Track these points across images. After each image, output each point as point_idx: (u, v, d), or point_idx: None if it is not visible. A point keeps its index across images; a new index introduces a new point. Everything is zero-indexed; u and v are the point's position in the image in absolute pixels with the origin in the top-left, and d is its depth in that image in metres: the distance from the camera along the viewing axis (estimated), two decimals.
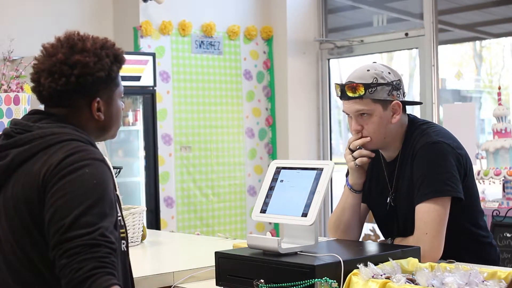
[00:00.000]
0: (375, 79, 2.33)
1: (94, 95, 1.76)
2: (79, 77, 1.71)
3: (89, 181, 1.60)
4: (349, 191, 2.51)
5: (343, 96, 2.38)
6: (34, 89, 1.78)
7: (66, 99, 1.74)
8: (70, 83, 1.71)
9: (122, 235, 1.78)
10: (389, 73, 2.37)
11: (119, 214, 1.73)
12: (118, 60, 1.79)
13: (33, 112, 1.80)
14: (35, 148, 1.68)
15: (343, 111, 2.43)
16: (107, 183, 1.63)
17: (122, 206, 1.75)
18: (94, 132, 1.79)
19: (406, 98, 2.47)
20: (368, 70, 2.35)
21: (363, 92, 2.33)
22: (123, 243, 1.81)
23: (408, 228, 2.37)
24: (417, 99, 5.80)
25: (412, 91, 6.72)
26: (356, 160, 2.45)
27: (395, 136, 2.43)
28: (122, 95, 1.86)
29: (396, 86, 2.37)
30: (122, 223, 1.80)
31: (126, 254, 1.83)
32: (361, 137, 2.41)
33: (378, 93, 2.33)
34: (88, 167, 1.62)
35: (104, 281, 1.50)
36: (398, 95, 2.38)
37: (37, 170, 1.63)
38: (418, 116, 5.19)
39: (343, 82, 2.40)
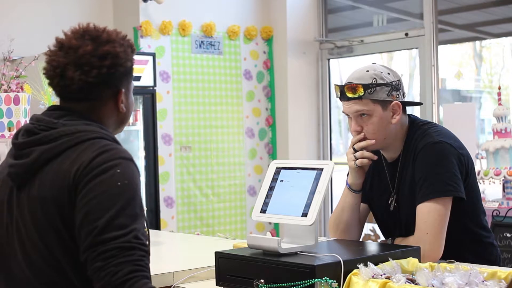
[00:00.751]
0: (374, 79, 2.33)
1: (119, 87, 1.73)
2: (110, 68, 1.68)
3: (120, 182, 1.57)
4: (348, 191, 2.51)
5: (343, 97, 2.38)
6: (56, 84, 1.70)
7: (95, 91, 1.70)
8: (102, 75, 1.67)
9: None
10: (388, 73, 2.37)
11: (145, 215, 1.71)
12: (133, 50, 1.77)
13: (54, 108, 1.74)
14: (62, 146, 1.64)
15: (343, 112, 2.43)
16: (137, 183, 1.61)
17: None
18: (112, 126, 1.77)
19: (406, 99, 2.47)
20: (367, 71, 2.35)
21: (362, 93, 2.32)
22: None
23: (409, 229, 2.37)
24: (417, 99, 5.80)
25: (412, 91, 6.72)
26: (357, 160, 2.45)
27: (396, 136, 2.43)
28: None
29: (395, 86, 2.37)
30: (146, 225, 1.78)
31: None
32: (365, 138, 2.41)
33: (377, 93, 2.33)
34: (119, 166, 1.59)
35: (142, 285, 1.49)
36: (397, 96, 2.38)
37: (66, 169, 1.60)
38: (418, 116, 5.19)
39: (343, 83, 2.41)
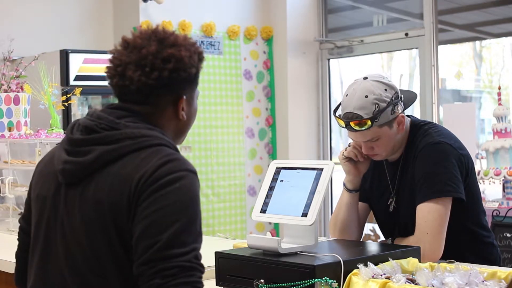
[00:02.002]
0: (377, 105, 2.30)
1: (181, 93, 1.65)
2: (173, 72, 1.60)
3: (186, 196, 1.50)
4: (344, 190, 2.53)
5: (348, 128, 2.35)
6: (115, 84, 1.63)
7: (154, 95, 1.61)
8: (163, 78, 1.59)
9: None
10: (385, 90, 2.34)
11: None
12: (200, 58, 1.68)
13: (115, 107, 1.64)
14: (124, 149, 1.55)
15: (349, 137, 2.43)
16: (199, 199, 1.54)
17: None
18: (171, 134, 1.67)
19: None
20: (366, 96, 2.31)
21: (370, 125, 2.31)
22: None
23: (409, 229, 2.37)
24: (417, 99, 5.78)
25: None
26: (345, 151, 2.47)
27: (401, 141, 2.45)
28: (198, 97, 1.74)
29: (395, 102, 2.35)
30: None
31: None
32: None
33: (382, 118, 2.32)
34: (184, 179, 1.51)
35: None
36: (399, 108, 2.37)
37: (128, 174, 1.52)
38: (418, 116, 5.18)
39: (342, 111, 2.36)
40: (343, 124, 2.36)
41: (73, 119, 4.54)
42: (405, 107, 2.43)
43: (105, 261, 1.54)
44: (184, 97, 1.66)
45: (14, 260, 1.84)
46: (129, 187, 1.51)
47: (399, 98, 2.37)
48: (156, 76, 1.59)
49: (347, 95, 2.36)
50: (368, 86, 2.33)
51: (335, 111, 2.43)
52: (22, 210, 1.90)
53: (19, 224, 1.83)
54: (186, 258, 1.46)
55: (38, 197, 1.68)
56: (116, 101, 1.69)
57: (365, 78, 2.37)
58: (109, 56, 1.67)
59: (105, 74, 1.66)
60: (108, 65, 1.64)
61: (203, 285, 1.50)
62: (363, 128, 2.31)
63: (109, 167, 1.55)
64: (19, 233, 1.82)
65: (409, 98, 2.46)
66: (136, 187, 1.50)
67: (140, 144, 1.56)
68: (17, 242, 1.84)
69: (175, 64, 1.60)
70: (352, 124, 2.32)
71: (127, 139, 1.56)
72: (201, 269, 1.49)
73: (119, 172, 1.54)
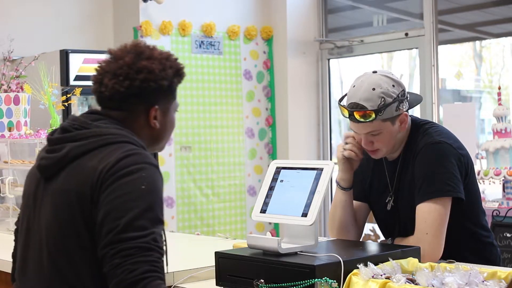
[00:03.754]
0: (383, 99, 2.30)
1: (153, 103, 1.80)
2: (143, 82, 1.76)
3: (145, 185, 1.63)
4: (337, 188, 2.52)
5: (352, 118, 2.35)
6: (95, 90, 1.81)
7: (127, 102, 1.78)
8: (134, 87, 1.76)
9: None
10: (393, 86, 2.34)
11: None
12: (179, 73, 1.85)
13: (91, 112, 1.82)
14: (91, 144, 1.71)
15: (351, 129, 2.42)
16: (160, 189, 1.67)
17: None
18: (146, 141, 1.82)
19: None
20: (373, 89, 2.30)
21: (374, 117, 2.31)
22: None
23: (408, 228, 2.37)
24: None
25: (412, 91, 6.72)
26: (345, 151, 2.46)
27: (402, 140, 2.44)
28: (177, 109, 1.90)
29: (401, 99, 2.35)
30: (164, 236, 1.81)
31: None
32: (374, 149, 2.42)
33: (387, 113, 2.32)
34: (145, 170, 1.65)
35: (156, 285, 1.54)
36: (404, 106, 2.37)
37: (92, 166, 1.66)
38: (418, 116, 5.18)
39: (347, 102, 2.35)
40: (346, 113, 2.35)
41: None
42: (409, 107, 2.43)
43: (75, 247, 1.66)
44: (157, 106, 1.81)
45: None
46: (92, 177, 1.65)
47: (405, 97, 2.37)
48: (127, 85, 1.75)
49: (354, 86, 2.36)
50: (376, 80, 2.33)
51: (340, 100, 2.42)
52: None
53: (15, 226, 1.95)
54: (144, 240, 1.57)
55: (23, 195, 1.85)
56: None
57: (374, 72, 2.37)
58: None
59: None
60: (94, 73, 1.83)
61: (162, 265, 1.59)
62: (367, 120, 2.31)
63: (76, 161, 1.71)
64: (14, 233, 1.93)
65: (414, 99, 2.46)
66: (99, 176, 1.64)
67: (106, 141, 1.71)
68: None
69: (146, 75, 1.76)
70: (355, 114, 2.32)
71: (95, 136, 1.72)
72: (159, 250, 1.60)
73: (84, 165, 1.69)
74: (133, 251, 1.55)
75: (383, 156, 2.47)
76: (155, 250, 1.58)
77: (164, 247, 1.80)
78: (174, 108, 1.88)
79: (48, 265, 1.69)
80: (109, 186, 1.62)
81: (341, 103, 2.40)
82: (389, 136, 2.37)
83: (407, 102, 2.38)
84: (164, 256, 1.79)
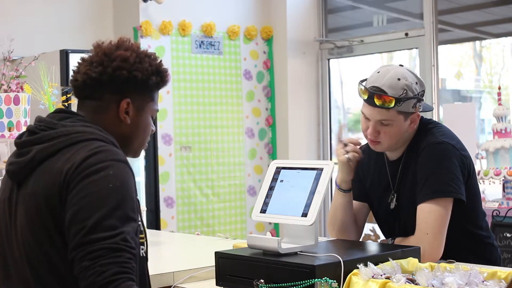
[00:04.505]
0: (405, 91, 2.29)
1: (125, 94, 1.75)
2: (116, 70, 1.71)
3: (112, 183, 1.57)
4: (337, 191, 2.51)
5: (369, 101, 2.33)
6: (71, 80, 1.77)
7: (98, 90, 1.73)
8: (105, 74, 1.71)
9: (141, 240, 1.76)
10: (416, 83, 2.33)
11: (139, 219, 1.70)
12: (159, 73, 1.80)
13: (58, 111, 1.78)
14: (57, 145, 1.66)
15: (362, 112, 2.39)
16: (130, 186, 1.61)
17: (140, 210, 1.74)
18: (118, 138, 1.75)
19: None
20: (398, 79, 2.30)
21: (393, 105, 2.29)
22: (142, 249, 1.79)
23: (409, 228, 2.37)
24: None
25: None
26: (349, 153, 2.45)
27: (406, 140, 2.43)
28: (155, 116, 1.84)
29: (420, 98, 2.35)
30: (142, 228, 1.78)
31: (145, 260, 1.82)
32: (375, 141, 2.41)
33: (404, 106, 2.31)
34: (112, 168, 1.60)
35: (126, 286, 1.49)
36: (419, 106, 2.36)
37: (59, 167, 1.61)
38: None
39: (369, 85, 2.33)
40: (366, 95, 2.32)
41: None
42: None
43: (49, 251, 1.61)
44: (129, 100, 1.74)
45: None
46: (59, 178, 1.60)
47: (423, 98, 2.37)
48: (100, 70, 1.71)
49: (378, 72, 2.34)
50: (403, 72, 2.32)
51: (361, 81, 2.38)
52: None
53: None
54: (113, 240, 1.51)
55: None
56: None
57: (401, 65, 2.38)
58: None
59: None
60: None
61: (132, 266, 1.53)
62: (384, 106, 2.30)
63: (44, 164, 1.65)
64: None
65: (426, 107, 2.45)
66: (65, 177, 1.59)
67: (72, 140, 1.66)
68: None
69: (119, 63, 1.72)
70: (375, 98, 2.30)
71: (61, 137, 1.67)
72: (130, 250, 1.54)
73: (51, 167, 1.63)
74: (102, 252, 1.49)
75: (382, 150, 2.45)
76: (125, 250, 1.52)
77: (144, 240, 1.79)
78: (150, 110, 1.81)
79: (29, 272, 1.64)
80: (75, 186, 1.57)
81: (363, 85, 2.36)
82: (398, 130, 2.35)
83: (423, 104, 2.38)
84: (145, 248, 1.78)
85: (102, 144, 1.66)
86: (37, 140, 1.69)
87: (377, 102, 2.30)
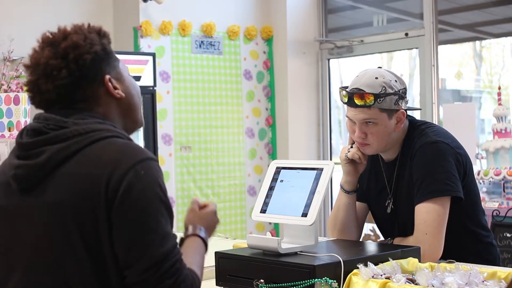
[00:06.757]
0: (384, 88, 2.31)
1: (101, 74, 1.60)
2: (78, 60, 1.56)
3: (155, 190, 1.49)
4: (341, 191, 2.52)
5: (350, 103, 2.35)
6: (38, 103, 1.60)
7: (77, 91, 1.57)
8: (72, 71, 1.55)
9: None
10: (396, 81, 2.35)
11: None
12: (102, 34, 1.65)
13: (61, 107, 1.59)
14: (74, 146, 1.51)
15: (347, 116, 2.41)
16: (162, 181, 1.54)
17: None
18: (120, 120, 1.65)
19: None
20: (376, 78, 2.32)
21: (372, 102, 2.30)
22: None
23: (407, 229, 2.37)
24: (417, 99, 5.80)
25: (412, 91, 6.72)
26: (348, 153, 2.46)
27: (397, 141, 2.44)
28: (129, 73, 1.72)
29: (402, 95, 2.36)
30: None
31: None
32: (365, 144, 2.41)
33: (385, 102, 2.32)
34: (150, 170, 1.50)
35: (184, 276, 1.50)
36: (403, 104, 2.37)
37: (89, 174, 1.48)
38: (418, 117, 5.18)
39: (349, 88, 2.37)
40: (346, 98, 2.35)
41: None
42: (407, 109, 2.43)
43: (70, 271, 1.47)
44: (108, 76, 1.61)
45: None
46: (97, 188, 1.46)
47: (405, 95, 2.38)
48: (65, 74, 1.55)
49: (357, 76, 2.37)
50: (380, 72, 2.36)
51: (342, 87, 2.41)
52: None
53: None
54: (177, 250, 1.51)
55: None
56: None
57: (379, 67, 2.41)
58: None
59: None
60: (26, 91, 1.62)
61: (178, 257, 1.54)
62: (366, 104, 2.31)
63: (63, 167, 1.50)
64: None
65: (413, 107, 2.47)
66: (106, 190, 1.46)
67: (90, 139, 1.52)
68: None
69: (73, 53, 1.56)
70: (355, 98, 2.31)
71: (76, 136, 1.52)
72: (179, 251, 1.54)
73: (77, 171, 1.49)
74: (178, 265, 1.49)
75: (373, 153, 2.45)
76: (180, 253, 1.55)
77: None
78: (125, 70, 1.68)
79: None
80: (121, 203, 1.45)
81: (343, 89, 2.40)
82: (384, 129, 2.36)
83: (406, 102, 2.38)
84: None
85: (125, 142, 1.55)
86: (49, 141, 1.52)
87: (357, 101, 2.32)
